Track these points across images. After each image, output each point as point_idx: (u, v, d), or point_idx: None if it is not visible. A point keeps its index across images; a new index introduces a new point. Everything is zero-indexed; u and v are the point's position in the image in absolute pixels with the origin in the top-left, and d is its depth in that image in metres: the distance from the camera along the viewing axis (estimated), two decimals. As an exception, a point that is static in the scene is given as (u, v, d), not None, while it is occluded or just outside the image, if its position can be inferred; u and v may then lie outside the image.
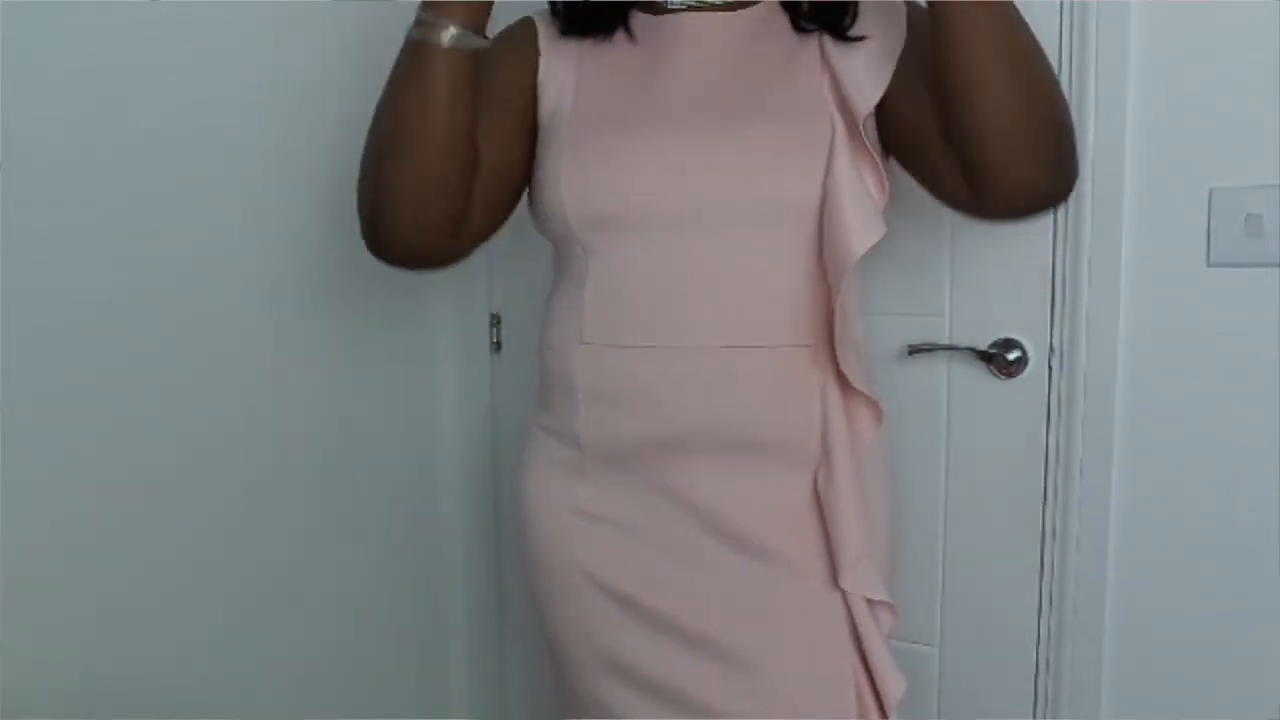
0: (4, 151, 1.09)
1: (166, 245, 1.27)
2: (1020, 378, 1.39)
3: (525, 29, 1.15)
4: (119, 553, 1.23)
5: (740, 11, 1.10)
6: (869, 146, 1.02)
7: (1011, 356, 1.38)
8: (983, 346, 1.40)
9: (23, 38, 1.10)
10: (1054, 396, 1.37)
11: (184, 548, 1.31)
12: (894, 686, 1.05)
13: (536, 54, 1.12)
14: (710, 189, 1.02)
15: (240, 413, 1.38)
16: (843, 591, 1.05)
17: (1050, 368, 1.37)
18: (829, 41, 1.06)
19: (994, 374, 1.40)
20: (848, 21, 1.06)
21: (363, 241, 1.09)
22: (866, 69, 1.03)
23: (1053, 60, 1.30)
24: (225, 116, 1.33)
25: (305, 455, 1.48)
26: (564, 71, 1.11)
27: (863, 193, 1.01)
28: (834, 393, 1.04)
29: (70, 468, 1.18)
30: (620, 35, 1.12)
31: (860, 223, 1.00)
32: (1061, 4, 1.31)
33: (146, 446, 1.26)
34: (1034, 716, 1.42)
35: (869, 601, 1.06)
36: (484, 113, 1.05)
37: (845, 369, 1.03)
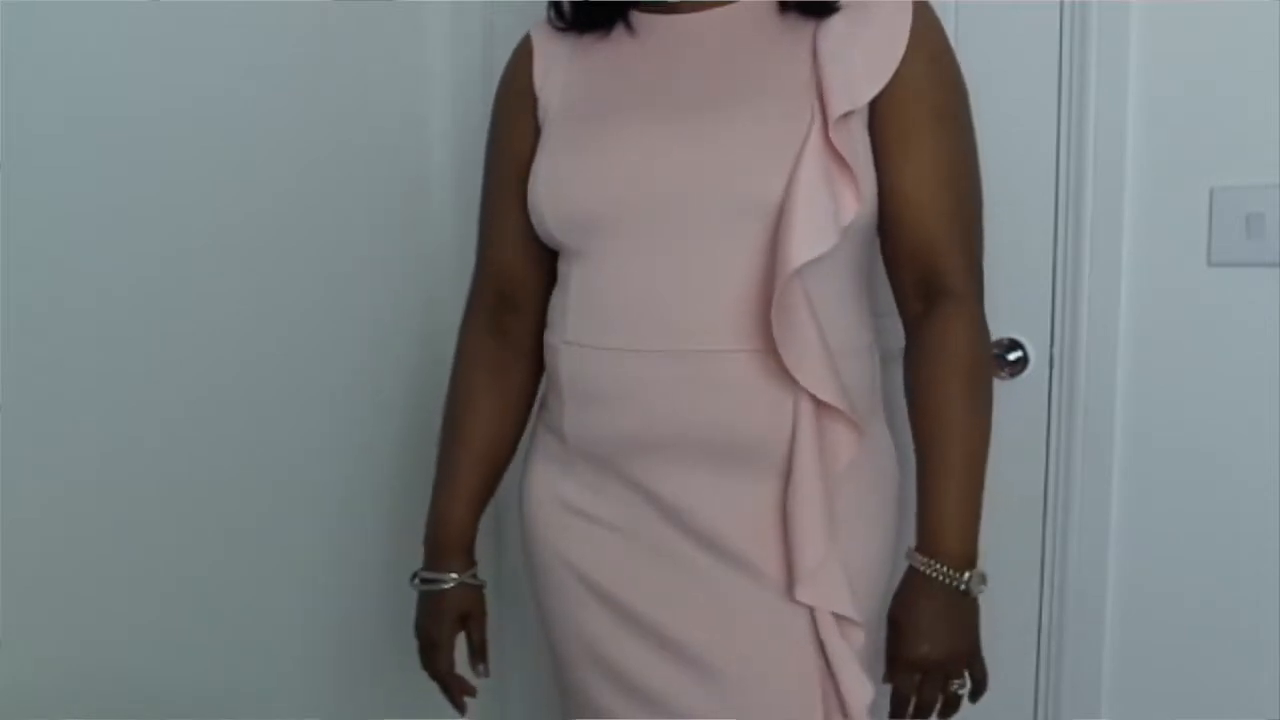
0: (4, 151, 1.09)
1: (166, 245, 1.27)
2: (1020, 378, 1.39)
3: (520, 59, 1.16)
4: (119, 552, 1.23)
5: (736, 5, 1.08)
6: (843, 149, 0.98)
7: (1012, 357, 1.38)
8: (983, 346, 1.40)
9: (23, 38, 1.10)
10: (1054, 396, 1.37)
11: (184, 548, 1.31)
12: (858, 696, 1.02)
13: (531, 80, 1.13)
14: (679, 186, 1.01)
15: (241, 412, 1.38)
16: None
17: (1051, 368, 1.37)
18: (823, 35, 1.03)
19: (995, 374, 1.39)
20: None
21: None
22: (864, 68, 1.01)
23: (1053, 61, 1.32)
24: (225, 116, 1.33)
25: (306, 454, 1.48)
26: (555, 78, 1.12)
27: (823, 199, 0.97)
28: (806, 399, 1.00)
29: (70, 467, 1.18)
30: (619, 33, 1.12)
31: (806, 232, 0.96)
32: (1062, 4, 1.31)
33: (147, 446, 1.26)
34: (1035, 711, 1.42)
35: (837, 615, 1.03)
36: (507, 183, 1.13)
37: (799, 375, 0.98)
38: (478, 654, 1.20)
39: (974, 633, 1.04)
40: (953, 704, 1.04)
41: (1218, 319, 1.27)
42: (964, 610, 1.03)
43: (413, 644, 1.20)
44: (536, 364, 1.19)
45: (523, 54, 1.16)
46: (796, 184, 0.96)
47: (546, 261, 1.15)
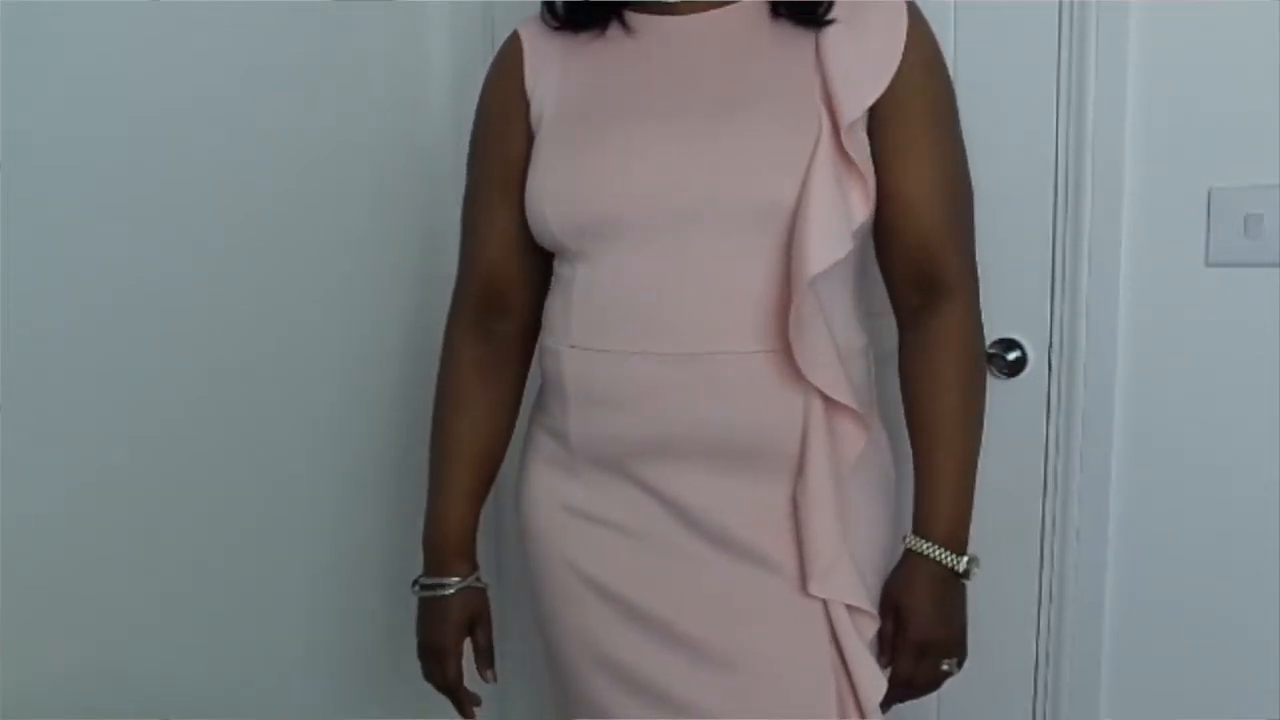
0: (4, 151, 1.09)
1: (166, 245, 1.27)
2: (1020, 377, 1.39)
3: (509, 58, 1.14)
4: (120, 553, 1.23)
5: (732, 7, 1.08)
6: (854, 155, 1.00)
7: (1011, 356, 1.38)
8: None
9: (23, 38, 1.10)
10: (1054, 396, 1.37)
11: (184, 547, 1.31)
12: (871, 689, 1.04)
13: (522, 80, 1.12)
14: (692, 191, 1.01)
15: (241, 411, 1.38)
16: None
17: (1050, 368, 1.37)
18: (825, 40, 1.04)
19: (994, 374, 1.39)
20: (820, 11, 1.04)
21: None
22: (863, 72, 1.01)
23: (1052, 62, 1.32)
24: (225, 116, 1.33)
25: (306, 454, 1.48)
26: (549, 78, 1.11)
27: (837, 205, 0.99)
28: (816, 399, 1.02)
29: (70, 468, 1.18)
30: (614, 32, 1.11)
31: (822, 239, 0.97)
32: (1061, 4, 1.31)
33: (147, 447, 1.26)
34: (1034, 711, 1.42)
35: (849, 607, 1.04)
36: (496, 183, 1.12)
37: (812, 377, 1.00)
38: (484, 659, 1.18)
39: (965, 613, 1.09)
40: (940, 681, 1.09)
41: (1216, 319, 1.27)
42: (959, 592, 1.08)
43: (413, 644, 1.19)
44: (526, 365, 1.19)
45: (512, 53, 1.14)
46: (810, 191, 0.98)
47: (537, 263, 1.15)
